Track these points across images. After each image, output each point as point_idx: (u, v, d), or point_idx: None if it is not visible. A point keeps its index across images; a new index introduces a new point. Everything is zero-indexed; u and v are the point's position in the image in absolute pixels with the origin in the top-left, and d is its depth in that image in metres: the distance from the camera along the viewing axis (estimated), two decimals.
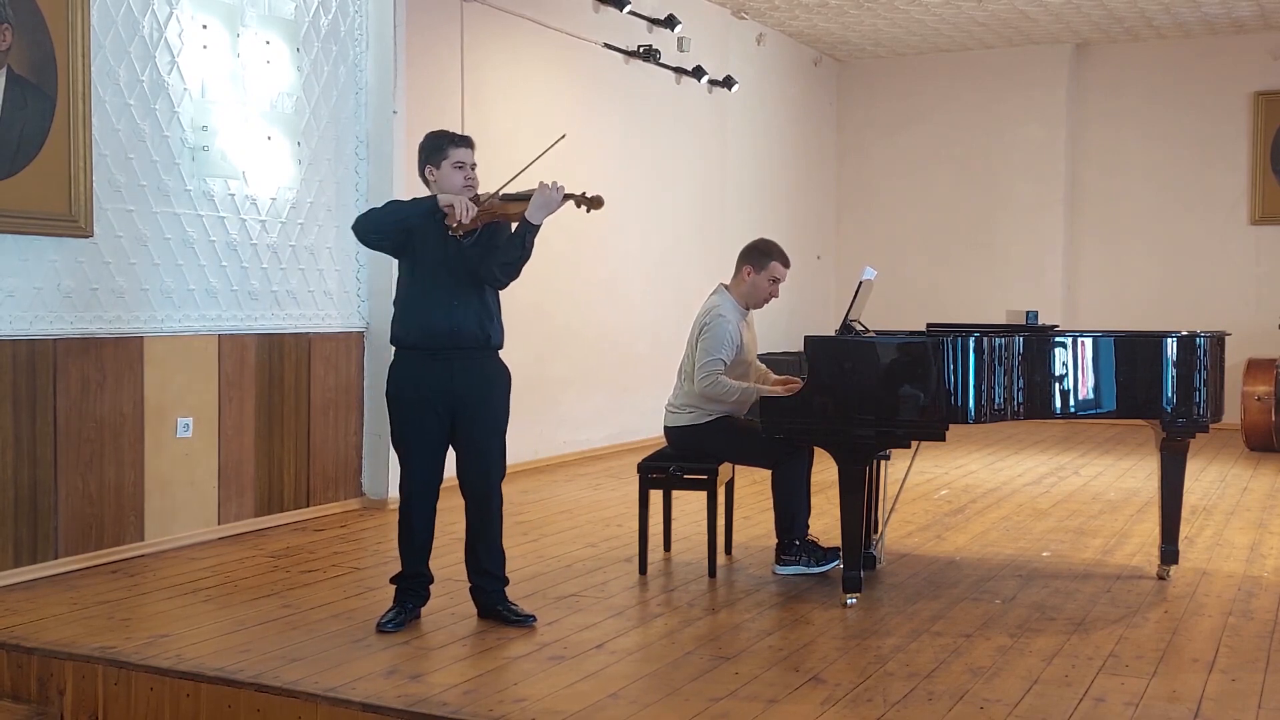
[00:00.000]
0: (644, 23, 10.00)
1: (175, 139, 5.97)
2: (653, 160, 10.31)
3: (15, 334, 5.26)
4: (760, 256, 5.59)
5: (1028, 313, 5.66)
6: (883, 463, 5.85)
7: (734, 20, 11.48)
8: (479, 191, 4.63)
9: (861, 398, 4.95)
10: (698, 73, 10.67)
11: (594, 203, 4.57)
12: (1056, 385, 5.15)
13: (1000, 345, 4.98)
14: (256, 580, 5.37)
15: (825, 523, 6.36)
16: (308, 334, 6.74)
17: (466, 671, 4.11)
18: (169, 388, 5.97)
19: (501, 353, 4.73)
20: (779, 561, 5.50)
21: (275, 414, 6.56)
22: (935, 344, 4.88)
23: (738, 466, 5.89)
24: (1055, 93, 12.80)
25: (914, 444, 5.21)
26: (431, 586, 4.78)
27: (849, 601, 4.98)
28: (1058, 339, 5.20)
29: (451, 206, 4.47)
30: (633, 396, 9.96)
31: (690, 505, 6.45)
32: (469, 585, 4.78)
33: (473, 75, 8.18)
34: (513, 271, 4.58)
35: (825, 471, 5.68)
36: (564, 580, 5.41)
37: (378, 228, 4.58)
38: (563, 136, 4.83)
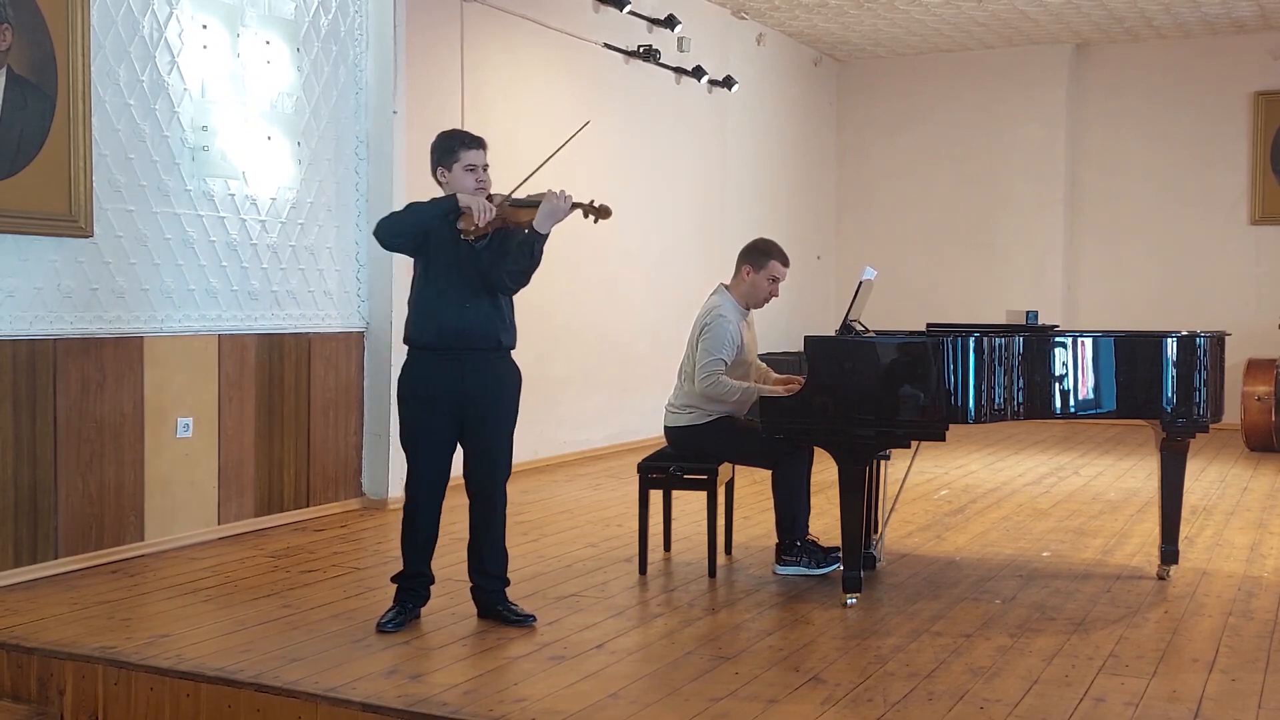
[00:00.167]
0: (644, 23, 10.00)
1: (175, 139, 5.97)
2: (653, 160, 10.31)
3: (15, 334, 5.26)
4: (759, 256, 5.59)
5: (1028, 313, 5.66)
6: (883, 463, 5.85)
7: (734, 20, 11.48)
8: (492, 192, 4.63)
9: (861, 398, 4.95)
10: (698, 73, 10.67)
11: (601, 213, 4.57)
12: (1056, 385, 5.15)
13: (1000, 345, 4.98)
14: (256, 580, 5.37)
15: (825, 523, 6.36)
16: (308, 334, 6.74)
17: (467, 671, 4.11)
18: (169, 388, 5.97)
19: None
20: (779, 562, 5.51)
21: (275, 414, 6.56)
22: (935, 344, 4.88)
23: (738, 466, 5.90)
24: (1055, 93, 12.80)
25: (914, 444, 5.21)
26: (432, 587, 4.78)
27: (849, 601, 4.98)
28: (1058, 339, 5.20)
29: (470, 208, 4.47)
30: (633, 396, 9.96)
31: (690, 505, 6.45)
32: (470, 585, 4.78)
33: (473, 75, 8.18)
34: (522, 279, 4.60)
35: (825, 471, 5.68)
36: (564, 580, 5.41)
37: (399, 231, 4.57)
38: (587, 124, 4.84)
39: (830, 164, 13.75)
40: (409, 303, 4.67)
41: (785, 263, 5.64)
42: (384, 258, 7.03)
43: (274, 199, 6.52)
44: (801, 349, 5.24)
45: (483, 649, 4.38)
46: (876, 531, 5.82)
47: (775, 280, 5.62)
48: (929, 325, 5.57)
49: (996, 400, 4.96)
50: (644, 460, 5.62)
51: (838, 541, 5.17)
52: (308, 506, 6.76)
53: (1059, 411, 5.20)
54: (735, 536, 6.11)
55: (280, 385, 6.59)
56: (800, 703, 3.81)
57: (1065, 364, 5.17)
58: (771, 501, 5.54)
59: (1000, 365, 4.97)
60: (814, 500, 5.65)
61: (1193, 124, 12.37)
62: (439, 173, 4.66)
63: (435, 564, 4.78)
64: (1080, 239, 12.96)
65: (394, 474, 7.09)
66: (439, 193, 4.68)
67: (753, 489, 7.56)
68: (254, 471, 6.44)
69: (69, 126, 5.38)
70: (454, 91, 8.01)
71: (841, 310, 5.54)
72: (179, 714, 4.04)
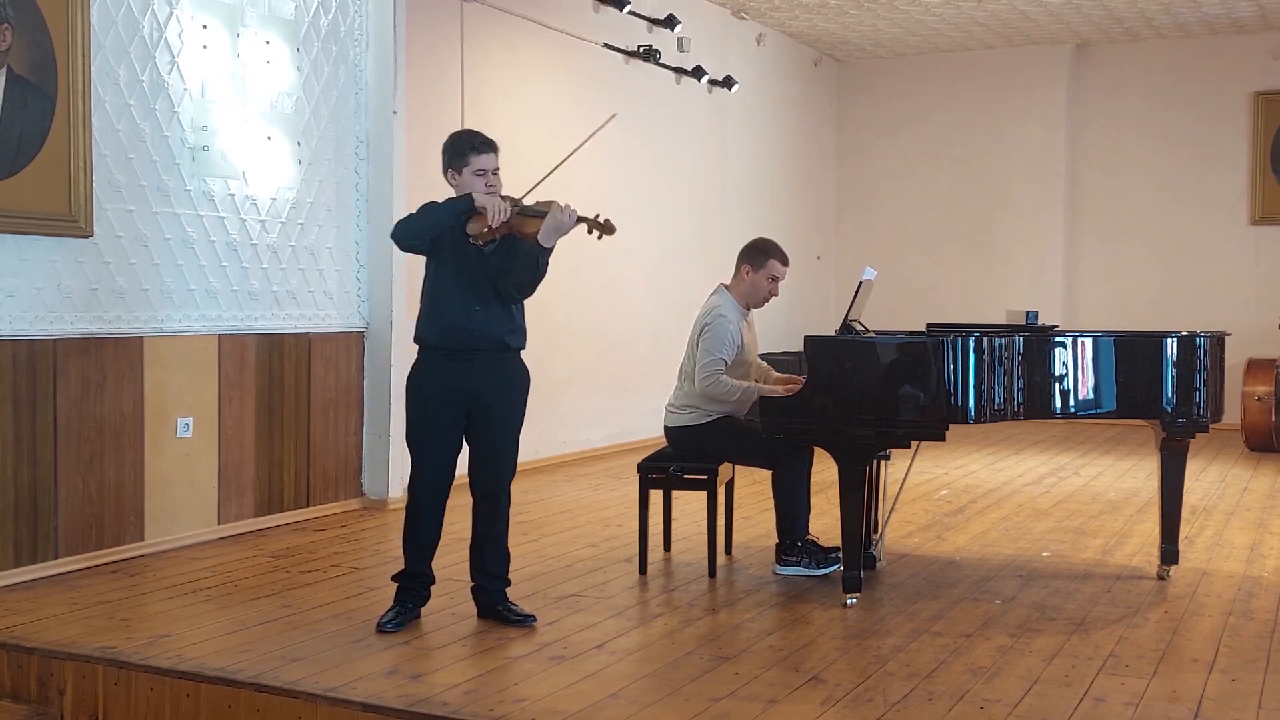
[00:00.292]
0: (644, 23, 10.00)
1: (175, 139, 5.97)
2: (653, 160, 10.31)
3: (15, 334, 5.25)
4: (758, 255, 5.59)
5: (1028, 313, 5.66)
6: (883, 463, 5.85)
7: (734, 20, 11.48)
8: (504, 194, 4.63)
9: (861, 398, 4.94)
10: (698, 73, 10.67)
11: (606, 229, 4.56)
12: (1056, 385, 5.15)
13: (1000, 345, 4.98)
14: (256, 580, 5.37)
15: (825, 523, 6.36)
16: (308, 334, 6.74)
17: (467, 671, 4.11)
18: (169, 388, 5.97)
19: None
20: (780, 562, 5.50)
21: (275, 414, 6.56)
22: (935, 344, 4.88)
23: (738, 466, 5.89)
24: (1055, 93, 12.80)
25: (914, 444, 5.21)
26: (433, 587, 4.78)
27: (849, 601, 4.98)
28: (1058, 339, 5.20)
29: (485, 208, 4.47)
30: (633, 396, 9.96)
31: (690, 505, 6.45)
32: (470, 585, 4.78)
33: (473, 75, 8.18)
34: (528, 290, 4.63)
35: (825, 471, 5.68)
36: (564, 580, 5.41)
37: (415, 233, 4.58)
38: (613, 116, 4.82)
39: (830, 164, 13.75)
40: (420, 300, 4.69)
41: (785, 262, 5.64)
42: (384, 258, 7.03)
43: (274, 199, 6.52)
44: (801, 349, 5.24)
45: (483, 649, 4.38)
46: (876, 531, 5.82)
47: (775, 279, 5.62)
48: (929, 325, 5.57)
49: (996, 400, 4.96)
50: (644, 460, 5.62)
51: (838, 541, 5.17)
52: (308, 506, 6.76)
53: (1059, 411, 5.20)
54: (735, 536, 6.11)
55: (280, 385, 6.58)
56: (800, 703, 3.81)
57: (1065, 364, 5.17)
58: (771, 501, 5.54)
59: (1000, 365, 4.97)
60: (814, 500, 5.65)
61: (1193, 124, 12.37)
62: (449, 174, 4.66)
63: (436, 564, 4.78)
64: (1080, 239, 12.96)
65: (394, 474, 7.09)
66: (442, 192, 4.68)
67: (753, 489, 7.56)
68: (254, 471, 6.44)
69: (69, 126, 5.38)
70: (454, 91, 8.01)
71: (841, 310, 5.55)
72: (179, 714, 4.04)
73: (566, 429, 9.26)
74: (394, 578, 4.75)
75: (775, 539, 5.55)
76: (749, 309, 5.67)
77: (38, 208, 5.27)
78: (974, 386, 4.89)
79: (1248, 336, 10.58)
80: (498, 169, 4.63)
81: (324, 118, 6.82)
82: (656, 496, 5.78)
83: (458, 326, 4.55)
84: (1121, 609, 4.99)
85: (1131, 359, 5.30)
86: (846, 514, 4.98)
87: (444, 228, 4.53)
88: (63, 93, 5.36)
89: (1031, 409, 5.12)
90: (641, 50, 9.96)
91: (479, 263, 4.58)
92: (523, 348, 4.73)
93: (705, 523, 5.53)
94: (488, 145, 4.63)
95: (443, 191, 4.70)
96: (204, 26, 6.10)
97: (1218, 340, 5.43)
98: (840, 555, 5.13)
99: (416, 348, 4.71)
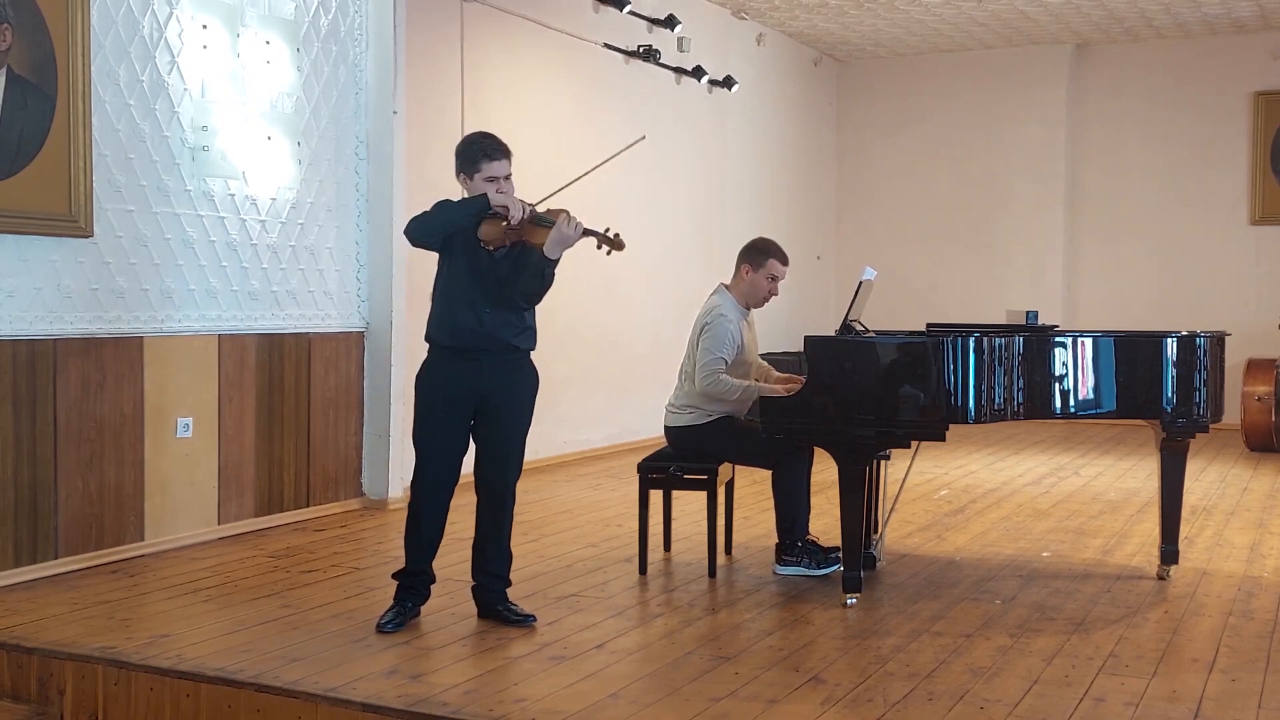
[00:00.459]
0: (644, 23, 10.00)
1: (175, 139, 5.97)
2: (653, 160, 10.29)
3: (15, 334, 5.25)
4: (758, 255, 5.59)
5: (1028, 313, 5.66)
6: (883, 463, 5.85)
7: (734, 20, 11.48)
8: (518, 197, 4.63)
9: (861, 398, 4.94)
10: (698, 73, 10.67)
11: (615, 244, 4.56)
12: (1056, 385, 5.15)
13: (1000, 345, 4.98)
14: (256, 580, 5.37)
15: (825, 523, 6.36)
16: (308, 334, 6.74)
17: (467, 671, 4.11)
18: (169, 388, 5.97)
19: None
20: (780, 562, 5.50)
21: (275, 414, 6.55)
22: (935, 344, 4.87)
23: (738, 466, 5.89)
24: (1055, 93, 12.80)
25: (914, 444, 5.21)
26: (433, 586, 4.78)
27: (849, 601, 4.98)
28: (1058, 339, 5.20)
29: (505, 207, 4.47)
30: (633, 396, 9.96)
31: (690, 505, 6.45)
32: (471, 584, 4.78)
33: (473, 75, 8.18)
34: (534, 300, 4.65)
35: (825, 471, 5.68)
36: (564, 580, 5.41)
37: (429, 231, 4.57)
38: (642, 138, 4.81)
39: (830, 164, 13.75)
40: (431, 298, 4.69)
41: (784, 261, 5.64)
42: (384, 258, 7.03)
43: (274, 199, 6.52)
44: (801, 349, 5.24)
45: (483, 649, 4.38)
46: (876, 531, 5.82)
47: (774, 279, 5.62)
48: (929, 325, 5.57)
49: (996, 400, 4.96)
50: (644, 460, 5.62)
51: (838, 541, 5.17)
52: (308, 506, 6.76)
53: (1059, 411, 5.20)
54: (735, 536, 6.11)
55: (280, 385, 6.58)
56: (800, 703, 3.81)
57: (1065, 364, 5.17)
58: (771, 501, 5.54)
59: (1000, 365, 4.97)
60: (814, 500, 5.65)
61: (1193, 124, 12.36)
62: (461, 178, 4.66)
63: (436, 564, 4.77)
64: (1080, 239, 12.96)
65: (394, 474, 7.09)
66: (441, 191, 4.68)
67: (753, 489, 7.56)
68: (254, 471, 6.44)
69: (69, 126, 5.38)
70: (454, 91, 8.01)
71: (841, 310, 5.54)
72: (179, 714, 4.04)
73: (566, 429, 9.26)
74: (394, 575, 4.75)
75: (775, 539, 5.55)
76: (749, 309, 5.67)
77: (38, 208, 5.27)
78: (974, 386, 4.89)
79: (1248, 336, 10.58)
80: (509, 175, 4.62)
81: (324, 118, 6.82)
82: (656, 496, 5.78)
83: (469, 327, 4.56)
84: (1121, 609, 4.99)
85: (1131, 359, 5.30)
86: (846, 514, 4.98)
87: (457, 227, 4.53)
88: (63, 93, 5.36)
89: (1031, 409, 5.12)
90: (641, 50, 9.95)
91: (490, 265, 4.58)
92: (532, 349, 4.75)
93: (705, 523, 5.53)
94: (500, 152, 4.61)
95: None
96: (204, 26, 6.10)
97: (1218, 340, 5.42)
98: (840, 555, 5.13)
99: (419, 346, 4.71)
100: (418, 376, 4.71)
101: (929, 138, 13.36)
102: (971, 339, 4.91)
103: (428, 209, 4.66)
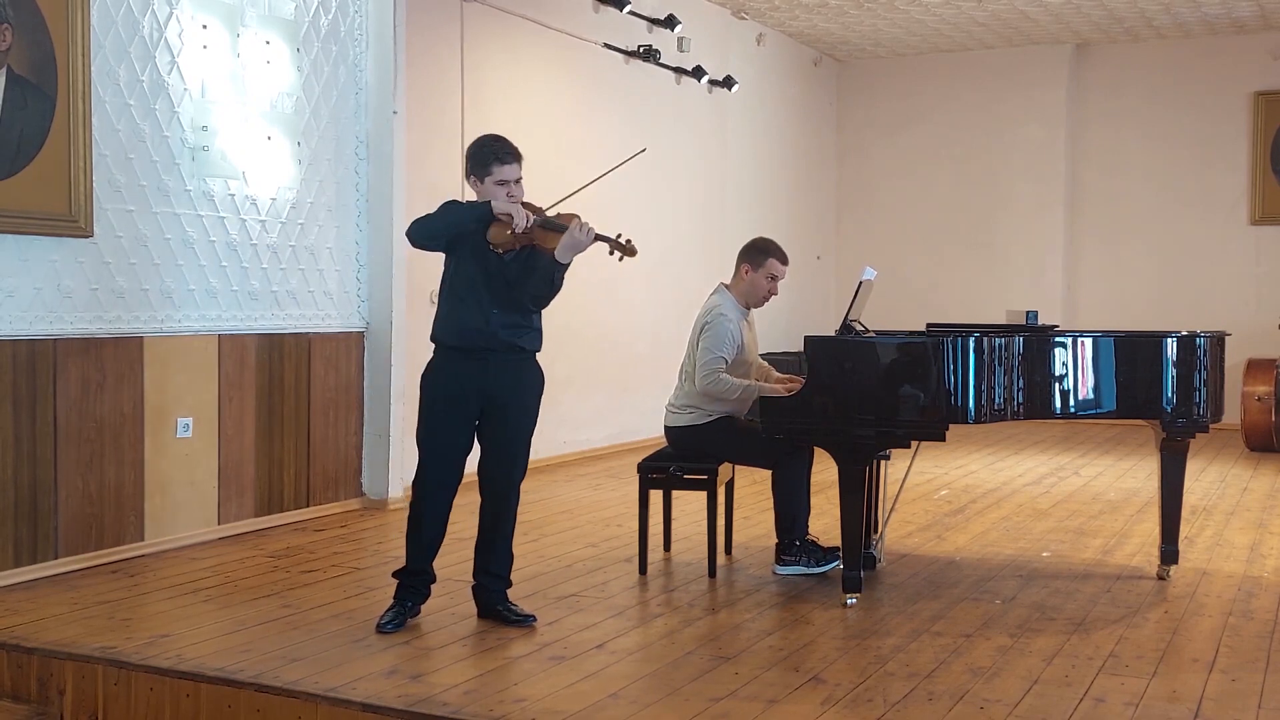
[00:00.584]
0: (644, 23, 10.00)
1: (175, 139, 5.97)
2: (653, 160, 10.27)
3: (15, 334, 5.26)
4: (757, 254, 5.59)
5: (1028, 313, 5.65)
6: (883, 463, 5.85)
7: (734, 20, 11.48)
8: (527, 200, 4.62)
9: (861, 398, 4.94)
10: (698, 73, 10.67)
11: (627, 250, 4.56)
12: (1056, 385, 5.15)
13: (1000, 345, 4.98)
14: (256, 580, 5.37)
15: (825, 523, 6.36)
16: (308, 334, 6.74)
17: (467, 671, 4.11)
18: (169, 388, 5.97)
19: None
20: (779, 561, 5.50)
21: (275, 414, 6.55)
22: (935, 344, 4.87)
23: (738, 466, 5.89)
24: (1055, 93, 12.80)
25: (914, 444, 5.21)
26: (433, 586, 4.78)
27: (849, 601, 4.98)
28: (1058, 339, 5.20)
29: (509, 215, 4.46)
30: (633, 396, 9.96)
31: (690, 505, 6.45)
32: (471, 584, 4.78)
33: (473, 75, 8.18)
34: (542, 303, 4.66)
35: (825, 471, 5.68)
36: (564, 580, 5.41)
37: (431, 234, 4.58)
38: (643, 150, 4.80)
39: (830, 164, 13.75)
40: (438, 298, 4.69)
41: (784, 261, 5.64)
42: (384, 258, 7.03)
43: (274, 199, 6.52)
44: (801, 349, 5.25)
45: (483, 649, 4.38)
46: (876, 531, 5.82)
47: (774, 279, 5.62)
48: (929, 325, 5.57)
49: (996, 400, 4.96)
50: (644, 460, 5.62)
51: (838, 541, 5.17)
52: (308, 506, 6.76)
53: (1059, 411, 5.20)
54: (735, 536, 6.11)
55: (280, 385, 6.58)
56: (800, 703, 3.81)
57: (1065, 364, 5.17)
58: (771, 501, 5.54)
59: (1000, 365, 4.97)
60: (814, 500, 5.65)
61: (1193, 124, 12.36)
62: (471, 180, 4.66)
63: (437, 563, 4.77)
64: (1080, 239, 12.96)
65: (394, 474, 7.09)
66: (441, 191, 4.68)
67: (753, 489, 7.56)
68: (254, 471, 6.44)
69: (69, 126, 5.38)
70: (454, 91, 8.01)
71: (841, 310, 5.54)
72: (179, 714, 4.04)
73: (566, 429, 9.26)
74: (395, 574, 4.74)
75: (775, 539, 5.55)
76: (749, 308, 5.67)
77: (38, 208, 5.27)
78: (974, 386, 4.89)
79: (1248, 336, 10.58)
80: (520, 179, 4.62)
81: (324, 118, 6.82)
82: (656, 496, 5.78)
83: (475, 328, 4.56)
84: (1121, 609, 4.98)
85: (1131, 359, 5.30)
86: (846, 514, 4.98)
87: (460, 229, 4.54)
88: (63, 93, 5.36)
89: (1031, 409, 5.12)
90: (641, 50, 9.95)
91: (498, 267, 4.58)
92: (538, 350, 4.76)
93: (705, 523, 5.53)
94: (512, 156, 4.60)
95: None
96: (204, 26, 6.10)
97: (1218, 340, 5.42)
98: (840, 554, 5.13)
99: (419, 346, 4.72)
100: (423, 376, 4.71)
101: (929, 138, 13.36)
102: (971, 339, 4.91)
103: (432, 210, 4.66)
